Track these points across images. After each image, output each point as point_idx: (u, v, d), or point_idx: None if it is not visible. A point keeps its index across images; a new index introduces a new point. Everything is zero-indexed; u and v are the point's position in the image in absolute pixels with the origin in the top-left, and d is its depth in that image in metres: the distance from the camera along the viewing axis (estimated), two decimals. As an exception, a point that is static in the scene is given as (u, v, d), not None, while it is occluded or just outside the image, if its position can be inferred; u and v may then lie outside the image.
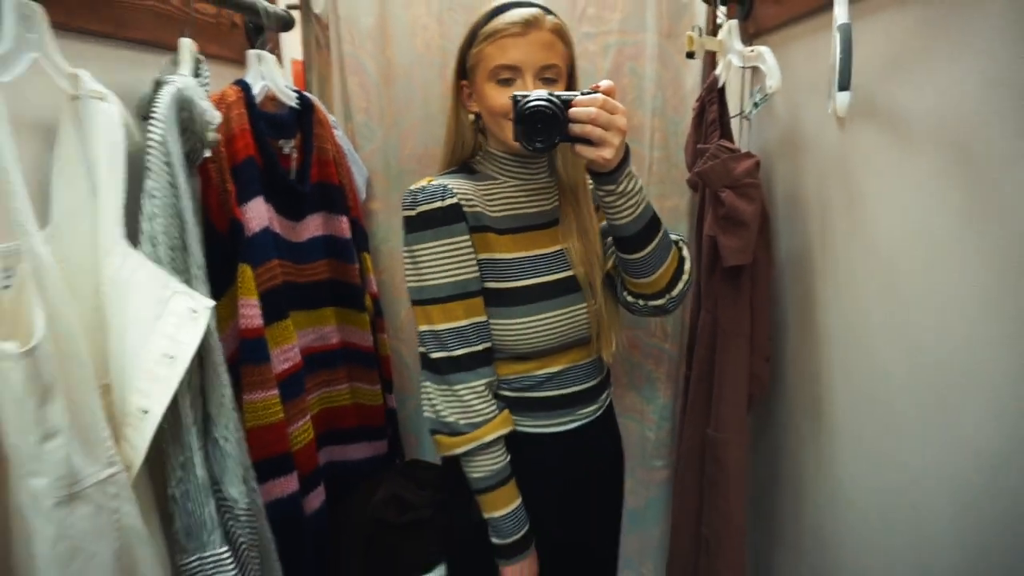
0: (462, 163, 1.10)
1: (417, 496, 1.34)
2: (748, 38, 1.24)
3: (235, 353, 1.07)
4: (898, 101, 0.85)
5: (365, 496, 1.33)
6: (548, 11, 0.99)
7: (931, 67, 0.78)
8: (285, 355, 1.16)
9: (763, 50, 1.08)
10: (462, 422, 1.00)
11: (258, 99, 1.18)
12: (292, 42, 1.53)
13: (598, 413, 1.13)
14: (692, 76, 1.44)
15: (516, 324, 1.02)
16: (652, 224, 0.99)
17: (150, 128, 0.87)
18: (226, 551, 0.90)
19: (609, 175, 0.92)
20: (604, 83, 0.90)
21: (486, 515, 1.03)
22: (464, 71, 1.04)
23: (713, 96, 1.23)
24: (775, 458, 1.28)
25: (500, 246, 1.03)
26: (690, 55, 1.26)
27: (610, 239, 1.07)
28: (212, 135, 0.96)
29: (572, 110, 0.88)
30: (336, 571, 1.27)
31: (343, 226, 1.34)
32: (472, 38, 1.01)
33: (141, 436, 0.81)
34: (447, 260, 1.00)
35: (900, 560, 0.89)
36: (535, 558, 1.06)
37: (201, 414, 0.92)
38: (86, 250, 0.83)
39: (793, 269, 1.18)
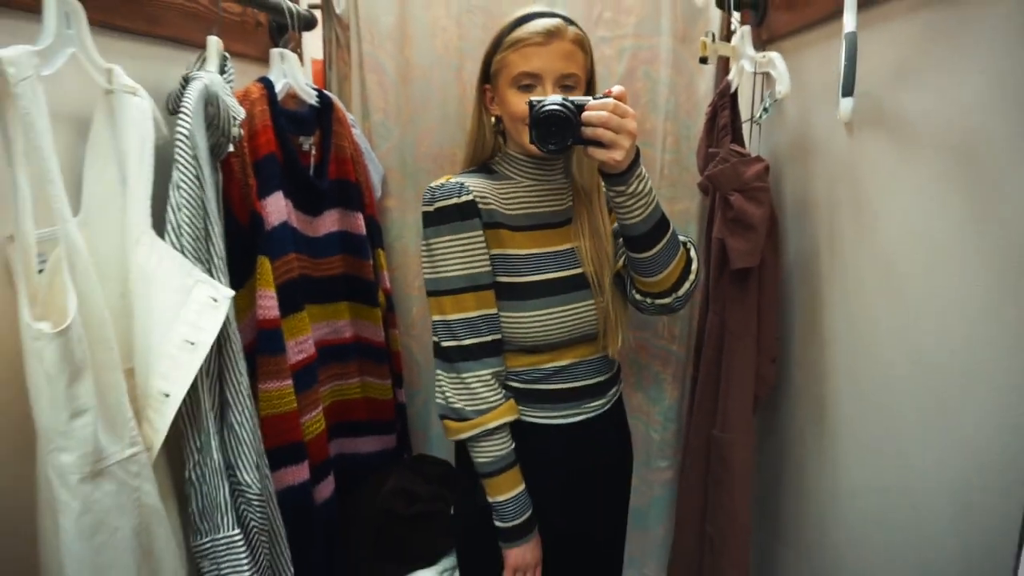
0: (481, 163, 1.14)
1: (425, 489, 1.36)
2: (761, 44, 1.26)
3: (252, 343, 1.10)
4: (905, 108, 0.87)
5: (374, 488, 1.36)
6: (570, 22, 1.03)
7: (937, 75, 0.80)
8: (300, 346, 1.19)
9: (774, 56, 1.10)
10: (468, 408, 1.04)
11: (280, 96, 1.21)
12: (311, 42, 1.57)
13: (605, 408, 1.15)
14: (705, 81, 1.46)
15: (526, 317, 1.06)
16: (661, 225, 1.02)
17: (178, 122, 0.90)
18: (238, 533, 0.94)
19: (620, 176, 0.95)
20: (616, 88, 0.94)
21: (490, 499, 1.06)
22: (488, 76, 1.08)
23: (725, 101, 1.25)
24: (780, 458, 1.29)
25: (513, 242, 1.07)
26: (703, 60, 1.28)
27: (621, 240, 1.10)
28: (236, 130, 1.00)
29: (584, 114, 0.92)
30: (346, 561, 1.30)
31: (359, 222, 1.37)
32: (496, 45, 1.05)
33: (162, 418, 0.84)
34: (461, 253, 1.04)
35: (901, 559, 0.90)
36: (538, 543, 1.09)
37: (218, 400, 0.95)
38: (114, 238, 0.86)
39: (801, 272, 1.20)
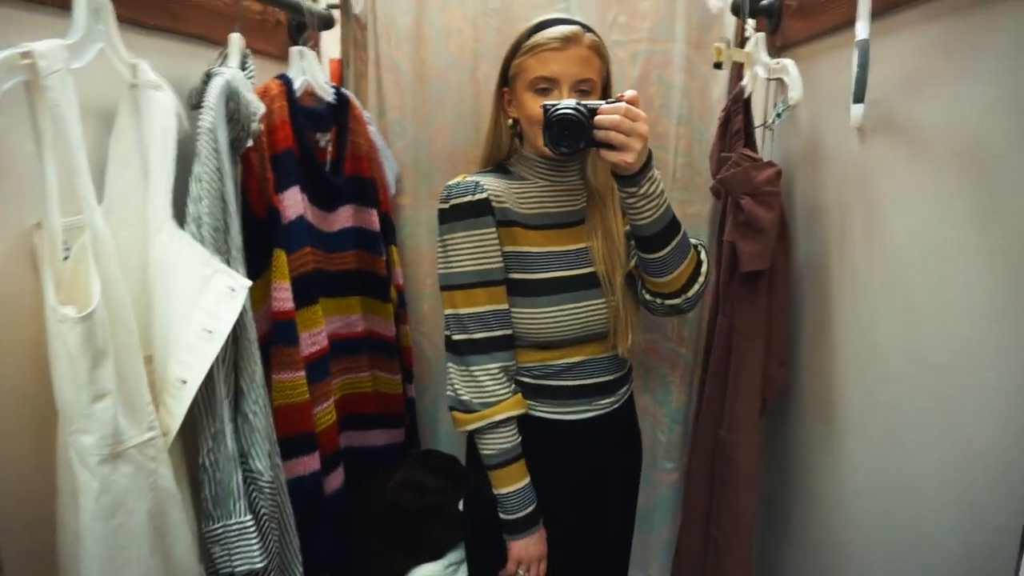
0: (498, 164, 1.16)
1: (433, 482, 1.38)
2: (775, 51, 1.27)
3: (266, 334, 1.12)
4: (915, 116, 0.88)
5: (383, 481, 1.38)
6: (588, 28, 1.05)
7: (947, 84, 0.81)
8: (313, 339, 1.21)
9: (787, 63, 1.11)
10: (475, 401, 1.06)
11: (298, 93, 1.23)
12: (329, 41, 1.59)
13: (615, 405, 1.17)
14: (719, 86, 1.46)
15: (538, 313, 1.08)
16: (671, 226, 1.03)
17: (201, 116, 0.93)
18: (250, 520, 0.95)
19: (631, 178, 0.97)
20: (628, 93, 0.96)
21: (495, 491, 1.08)
22: (506, 79, 1.10)
23: (739, 106, 1.26)
24: (787, 460, 1.30)
25: (527, 240, 1.09)
26: (717, 66, 1.29)
27: (633, 241, 1.11)
28: (256, 125, 1.02)
29: (597, 118, 0.94)
30: (355, 552, 1.32)
31: (373, 219, 1.39)
32: (515, 50, 1.07)
33: (179, 404, 0.86)
34: (473, 250, 1.06)
35: (905, 560, 0.91)
36: (542, 537, 1.10)
37: (233, 388, 0.97)
38: (135, 228, 0.88)
39: (811, 276, 1.20)
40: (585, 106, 0.95)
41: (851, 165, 1.05)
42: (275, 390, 1.11)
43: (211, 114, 0.93)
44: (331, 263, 1.33)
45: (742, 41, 1.38)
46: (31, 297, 0.77)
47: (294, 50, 1.28)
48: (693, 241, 1.11)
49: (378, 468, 1.42)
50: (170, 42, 1.06)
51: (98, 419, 0.75)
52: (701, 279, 1.10)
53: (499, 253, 1.07)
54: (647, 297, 1.14)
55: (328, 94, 1.33)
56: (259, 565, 0.94)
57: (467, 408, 1.07)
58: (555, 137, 0.96)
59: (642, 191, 0.98)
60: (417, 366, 1.57)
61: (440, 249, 1.09)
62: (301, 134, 1.21)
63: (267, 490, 1.00)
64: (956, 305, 0.80)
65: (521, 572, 1.09)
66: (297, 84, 1.24)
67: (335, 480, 1.28)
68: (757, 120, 1.29)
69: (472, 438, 1.10)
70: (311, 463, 1.16)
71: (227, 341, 0.91)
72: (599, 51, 1.06)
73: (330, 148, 1.34)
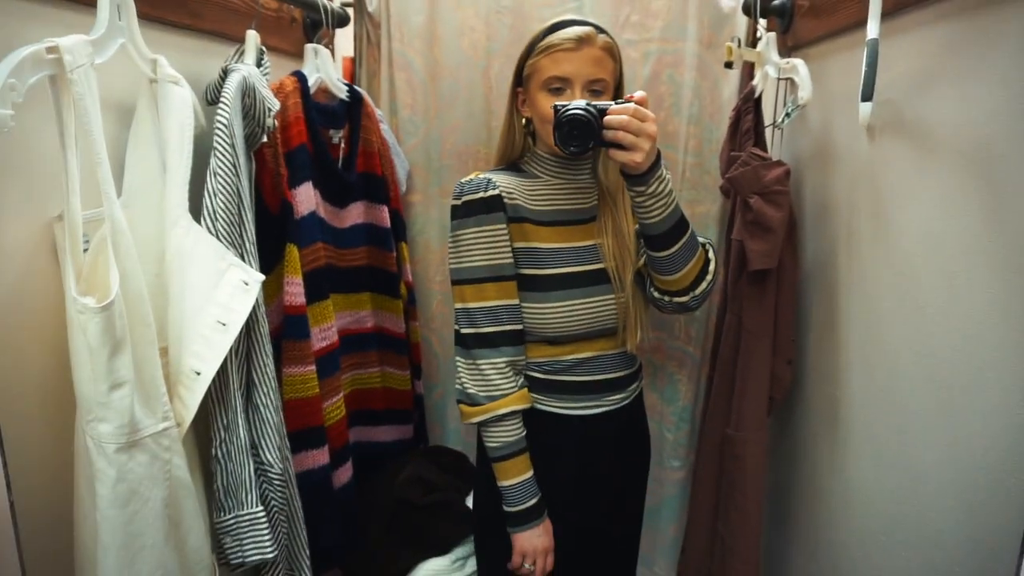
0: (511, 162, 1.17)
1: (440, 478, 1.39)
2: (787, 51, 1.27)
3: (278, 328, 1.13)
4: (924, 116, 0.88)
5: (391, 476, 1.39)
6: (601, 30, 1.07)
7: (956, 84, 0.82)
8: (324, 333, 1.23)
9: (797, 63, 1.11)
10: (481, 394, 1.08)
11: (312, 90, 1.25)
12: (343, 39, 1.61)
13: (625, 402, 1.18)
14: (729, 86, 1.47)
15: (548, 308, 1.09)
16: (680, 225, 1.04)
17: (218, 112, 0.94)
18: (261, 511, 0.96)
19: (640, 177, 0.98)
20: (637, 94, 0.97)
21: (499, 483, 1.10)
22: (520, 79, 1.12)
23: (749, 106, 1.26)
24: (793, 459, 1.30)
25: (538, 236, 1.10)
26: (728, 65, 1.29)
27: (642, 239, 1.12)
28: (270, 121, 1.03)
29: (606, 118, 0.96)
30: (362, 545, 1.33)
31: (383, 215, 1.41)
32: (529, 50, 1.09)
33: (193, 395, 0.88)
34: (484, 245, 1.07)
35: (908, 559, 0.91)
36: (547, 530, 1.11)
37: (245, 380, 0.99)
38: (152, 221, 0.90)
39: (818, 275, 1.21)
40: (595, 106, 0.96)
41: (860, 165, 1.05)
42: (286, 384, 1.12)
43: (228, 110, 0.94)
44: (342, 259, 1.34)
45: (754, 40, 1.38)
46: (52, 287, 0.79)
47: (309, 47, 1.29)
48: (701, 240, 1.12)
49: (386, 463, 1.43)
50: (188, 38, 1.07)
51: (115, 408, 0.76)
52: (709, 277, 1.11)
53: (509, 248, 1.08)
54: (655, 295, 1.14)
55: (341, 91, 1.35)
56: (270, 555, 0.96)
57: (472, 401, 1.09)
58: (565, 137, 0.97)
59: (650, 190, 0.99)
60: (426, 362, 1.59)
61: (451, 244, 1.10)
62: (315, 130, 1.23)
63: (277, 482, 1.01)
64: (962, 304, 0.80)
65: (527, 565, 1.10)
66: (311, 81, 1.25)
67: (344, 474, 1.29)
68: (767, 119, 1.29)
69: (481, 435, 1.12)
70: (320, 457, 1.18)
71: (240, 334, 0.92)
72: (612, 52, 1.07)
73: (343, 145, 1.35)
